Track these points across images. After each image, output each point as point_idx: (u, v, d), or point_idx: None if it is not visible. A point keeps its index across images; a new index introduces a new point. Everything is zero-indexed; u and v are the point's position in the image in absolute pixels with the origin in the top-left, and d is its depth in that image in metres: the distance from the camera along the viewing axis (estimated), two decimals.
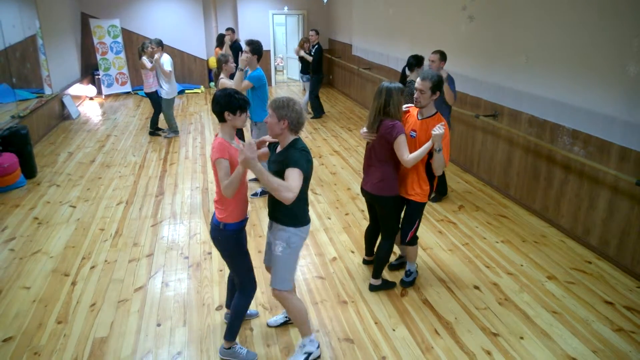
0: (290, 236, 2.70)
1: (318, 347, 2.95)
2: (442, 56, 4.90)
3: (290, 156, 2.56)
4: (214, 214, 2.79)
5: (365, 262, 4.00)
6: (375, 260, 3.61)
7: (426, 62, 5.08)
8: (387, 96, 3.22)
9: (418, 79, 3.30)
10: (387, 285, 3.67)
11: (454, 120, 6.14)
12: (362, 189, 3.55)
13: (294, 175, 2.50)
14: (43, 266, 3.97)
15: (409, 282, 3.69)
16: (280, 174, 2.54)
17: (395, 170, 3.36)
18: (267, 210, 2.81)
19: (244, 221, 2.80)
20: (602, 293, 3.60)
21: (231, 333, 2.90)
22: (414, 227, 3.51)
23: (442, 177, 5.30)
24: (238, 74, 4.91)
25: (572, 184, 4.41)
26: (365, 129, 3.39)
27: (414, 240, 3.59)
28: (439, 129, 3.12)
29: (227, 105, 2.59)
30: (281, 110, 2.57)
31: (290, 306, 2.81)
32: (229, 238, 2.75)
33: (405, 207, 3.54)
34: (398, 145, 3.20)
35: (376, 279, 3.62)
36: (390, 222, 3.49)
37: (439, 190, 5.29)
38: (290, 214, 2.69)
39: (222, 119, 2.65)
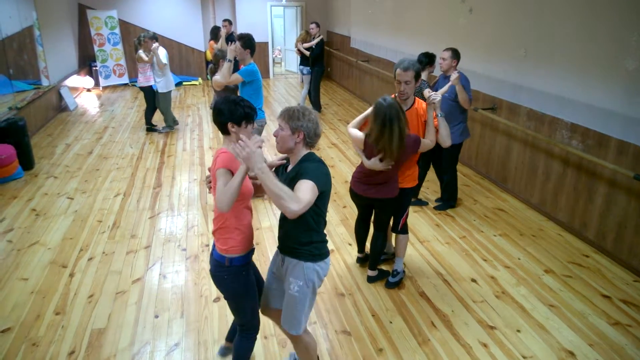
0: (308, 273, 2.28)
1: None
2: (455, 54, 4.47)
3: (304, 168, 2.18)
4: (214, 246, 2.39)
5: (359, 260, 3.88)
6: (371, 252, 3.62)
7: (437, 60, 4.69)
8: (404, 115, 3.07)
9: (399, 70, 3.21)
10: (383, 275, 3.69)
11: None
12: (359, 195, 3.39)
13: (305, 188, 2.08)
14: (41, 257, 3.97)
15: (395, 282, 3.61)
16: None
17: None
18: (278, 241, 2.42)
19: (252, 252, 2.42)
20: (599, 286, 3.62)
21: None
22: (405, 214, 3.53)
23: (454, 185, 4.87)
24: (226, 65, 4.53)
25: (570, 177, 4.41)
26: (382, 161, 3.11)
27: (405, 229, 3.60)
28: (435, 95, 3.18)
29: (230, 115, 2.24)
30: (296, 121, 2.20)
31: (302, 346, 2.50)
32: (237, 276, 2.34)
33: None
34: (422, 144, 3.24)
35: (373, 270, 3.65)
36: (388, 216, 3.50)
37: (448, 197, 4.90)
38: (308, 246, 2.27)
39: (225, 131, 2.29)
